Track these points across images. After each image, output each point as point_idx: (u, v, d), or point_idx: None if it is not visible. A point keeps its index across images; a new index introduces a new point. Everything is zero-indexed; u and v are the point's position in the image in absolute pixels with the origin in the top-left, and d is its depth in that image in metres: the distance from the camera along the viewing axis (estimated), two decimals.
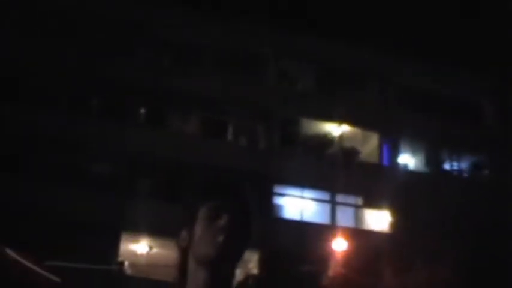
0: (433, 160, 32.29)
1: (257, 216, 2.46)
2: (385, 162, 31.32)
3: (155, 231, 25.44)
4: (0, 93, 26.15)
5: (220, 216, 2.26)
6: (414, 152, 32.52)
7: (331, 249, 25.54)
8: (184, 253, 2.35)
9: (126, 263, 25.46)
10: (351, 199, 29.91)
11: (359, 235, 27.00)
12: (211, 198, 2.31)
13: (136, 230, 25.39)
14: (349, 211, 29.66)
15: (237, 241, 2.27)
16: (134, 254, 26.25)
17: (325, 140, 30.90)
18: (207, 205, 2.29)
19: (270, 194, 28.64)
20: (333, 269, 24.63)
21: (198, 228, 2.28)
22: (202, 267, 2.27)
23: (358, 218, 29.74)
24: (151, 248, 26.55)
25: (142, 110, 28.76)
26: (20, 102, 26.36)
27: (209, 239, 2.24)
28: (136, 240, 26.33)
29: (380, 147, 31.35)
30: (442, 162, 32.90)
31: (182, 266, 2.35)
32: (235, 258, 2.30)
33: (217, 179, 2.49)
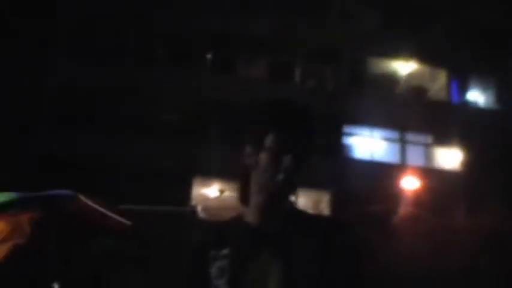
0: (503, 97, 31.66)
1: (325, 155, 2.59)
2: (454, 99, 30.90)
3: (226, 175, 25.82)
4: (64, 49, 26.64)
5: (285, 154, 2.38)
6: (484, 88, 31.94)
7: (402, 188, 25.48)
8: (247, 171, 2.53)
9: (198, 207, 25.93)
10: (421, 138, 29.67)
11: (429, 174, 26.78)
12: (279, 128, 2.43)
13: (208, 174, 25.83)
14: (419, 150, 29.44)
15: (296, 176, 2.40)
16: (206, 198, 26.70)
17: (393, 79, 30.60)
18: (275, 136, 2.42)
19: (339, 134, 28.65)
20: (404, 208, 24.61)
21: (264, 157, 2.44)
22: (262, 193, 2.46)
23: (428, 157, 29.52)
24: (222, 191, 26.95)
25: (209, 56, 28.87)
26: (87, 57, 26.74)
27: (271, 173, 2.40)
28: (208, 185, 26.77)
29: (449, 84, 30.90)
30: None
31: (246, 182, 2.55)
32: (292, 191, 2.48)
33: (286, 107, 2.55)
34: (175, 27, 27.91)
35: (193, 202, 25.87)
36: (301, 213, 2.54)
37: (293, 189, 2.47)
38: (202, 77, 27.58)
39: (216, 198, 26.85)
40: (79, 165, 23.49)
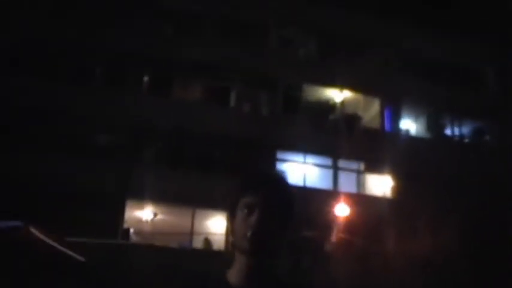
0: (434, 126, 32.47)
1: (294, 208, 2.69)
2: (387, 127, 31.45)
3: (159, 198, 25.72)
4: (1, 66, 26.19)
5: (253, 213, 2.51)
6: (416, 117, 32.71)
7: (334, 215, 25.70)
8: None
9: (131, 230, 25.70)
10: (353, 165, 30.07)
11: (361, 200, 27.17)
12: (248, 192, 2.56)
13: (141, 197, 25.59)
14: (352, 176, 29.83)
15: (268, 234, 2.52)
16: (139, 221, 26.48)
17: (328, 106, 31.01)
18: (244, 200, 2.55)
19: (273, 160, 28.82)
20: (336, 235, 24.84)
21: (237, 220, 2.56)
22: (242, 255, 2.54)
23: (360, 184, 29.94)
24: (155, 214, 26.78)
25: (145, 79, 28.77)
26: (20, 73, 26.34)
27: (243, 232, 2.52)
28: (141, 207, 26.55)
29: (382, 112, 31.46)
30: (444, 127, 33.10)
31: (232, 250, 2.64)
32: (268, 249, 2.54)
33: (256, 174, 2.73)
34: (114, 48, 27.75)
35: (126, 225, 25.63)
36: (283, 281, 2.64)
37: (270, 246, 2.55)
38: (138, 99, 27.45)
39: (150, 221, 26.68)
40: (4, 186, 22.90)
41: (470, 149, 31.88)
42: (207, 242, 26.23)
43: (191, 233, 26.63)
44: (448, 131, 33.37)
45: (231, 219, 2.61)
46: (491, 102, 32.12)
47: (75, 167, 24.84)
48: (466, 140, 33.50)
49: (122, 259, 21.38)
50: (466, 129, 33.59)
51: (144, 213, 26.75)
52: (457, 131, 33.39)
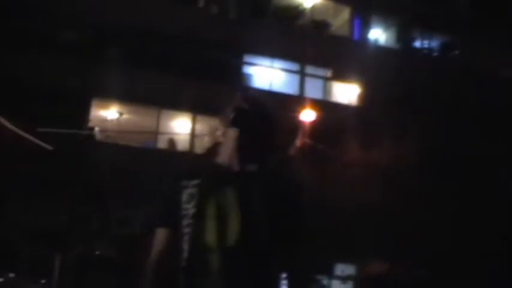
0: (403, 37, 32.45)
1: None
2: (356, 36, 31.42)
3: (126, 97, 25.65)
4: None
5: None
6: (385, 27, 32.59)
7: (299, 120, 25.83)
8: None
9: (96, 129, 25.64)
10: (320, 71, 30.17)
11: (327, 107, 27.28)
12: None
13: (107, 96, 25.51)
14: (318, 83, 29.96)
15: (247, 152, 3.06)
16: (104, 120, 26.44)
17: (297, 12, 30.79)
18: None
19: (239, 63, 28.85)
20: (300, 139, 25.00)
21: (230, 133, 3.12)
22: (229, 133, 3.09)
23: (326, 91, 30.12)
24: (121, 114, 26.75)
25: None
26: None
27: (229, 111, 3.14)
28: (106, 107, 26.48)
29: (351, 21, 31.35)
30: (413, 39, 33.10)
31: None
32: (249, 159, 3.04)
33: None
34: None
35: (90, 124, 25.54)
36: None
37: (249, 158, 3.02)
38: None
39: (115, 120, 26.67)
40: None
41: (438, 63, 32.01)
42: (172, 142, 26.37)
43: (156, 133, 26.76)
44: (417, 44, 33.42)
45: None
46: (462, 16, 32.03)
47: (41, 62, 24.50)
48: (435, 54, 33.61)
49: (88, 152, 21.43)
50: (435, 43, 33.69)
51: (109, 113, 26.70)
52: (426, 44, 33.47)
